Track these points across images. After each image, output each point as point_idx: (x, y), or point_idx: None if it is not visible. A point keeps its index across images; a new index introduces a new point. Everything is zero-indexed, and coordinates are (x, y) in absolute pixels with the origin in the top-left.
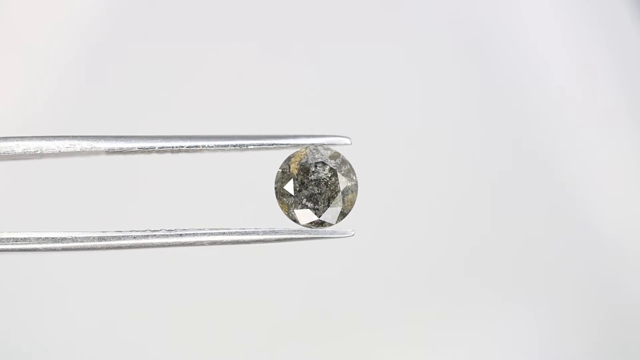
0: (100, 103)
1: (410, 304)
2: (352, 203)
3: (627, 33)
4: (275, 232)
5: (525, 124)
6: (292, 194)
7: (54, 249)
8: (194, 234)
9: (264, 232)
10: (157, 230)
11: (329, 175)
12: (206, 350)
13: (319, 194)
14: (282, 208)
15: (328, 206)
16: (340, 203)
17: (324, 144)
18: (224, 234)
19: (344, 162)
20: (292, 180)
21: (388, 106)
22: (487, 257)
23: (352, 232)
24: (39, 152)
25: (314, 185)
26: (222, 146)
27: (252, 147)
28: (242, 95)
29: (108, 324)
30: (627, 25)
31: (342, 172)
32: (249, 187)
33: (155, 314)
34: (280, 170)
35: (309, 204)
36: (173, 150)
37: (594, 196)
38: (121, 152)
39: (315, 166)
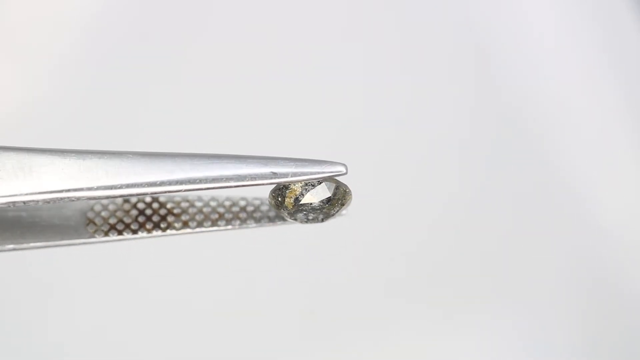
0: (98, 104)
1: (408, 303)
2: (348, 204)
3: (627, 33)
4: (269, 217)
5: (524, 123)
6: (287, 217)
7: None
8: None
9: (257, 216)
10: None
11: (324, 204)
12: (204, 349)
13: (314, 215)
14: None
15: (322, 221)
16: (335, 216)
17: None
18: (220, 219)
19: (338, 188)
20: (285, 210)
21: (387, 110)
22: (487, 255)
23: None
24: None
25: (309, 211)
26: (212, 187)
27: (242, 185)
28: (237, 113)
29: (107, 323)
30: (627, 25)
31: (337, 200)
32: None
33: (151, 314)
34: (274, 202)
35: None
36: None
37: (594, 196)
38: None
39: (310, 203)
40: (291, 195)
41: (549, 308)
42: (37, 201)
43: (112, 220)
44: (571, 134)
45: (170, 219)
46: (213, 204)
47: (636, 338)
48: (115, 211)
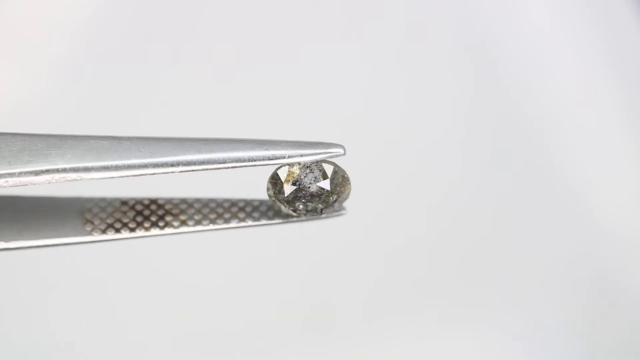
0: (95, 101)
1: (407, 299)
2: (347, 196)
3: (627, 33)
4: (268, 215)
5: (525, 122)
6: (285, 207)
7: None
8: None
9: (256, 215)
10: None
11: (322, 190)
12: (203, 348)
13: (314, 203)
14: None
15: (321, 213)
16: (334, 207)
17: (316, 160)
18: (218, 218)
19: (336, 173)
20: (284, 196)
21: (386, 101)
22: (485, 255)
23: (344, 211)
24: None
25: (307, 198)
26: (214, 167)
27: (240, 165)
28: (233, 98)
29: (105, 324)
30: (627, 25)
31: (336, 186)
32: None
33: (149, 314)
34: (272, 189)
35: (303, 209)
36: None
37: (594, 195)
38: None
39: (309, 187)
40: (289, 178)
41: (548, 307)
42: (37, 183)
43: (110, 220)
44: (571, 132)
45: (168, 218)
46: (212, 205)
47: (636, 337)
48: (113, 212)
